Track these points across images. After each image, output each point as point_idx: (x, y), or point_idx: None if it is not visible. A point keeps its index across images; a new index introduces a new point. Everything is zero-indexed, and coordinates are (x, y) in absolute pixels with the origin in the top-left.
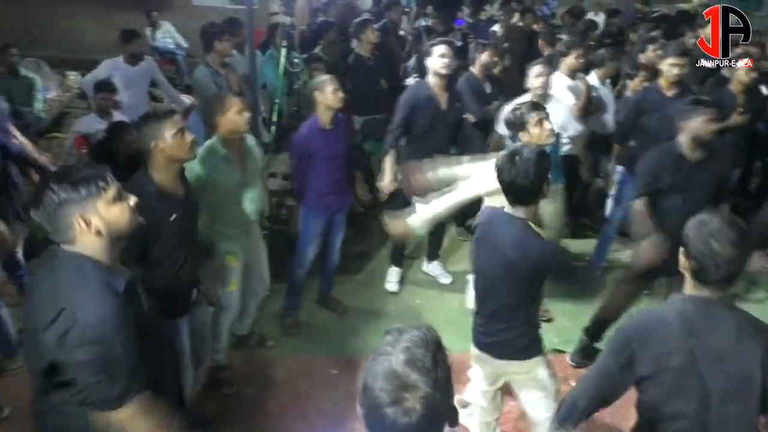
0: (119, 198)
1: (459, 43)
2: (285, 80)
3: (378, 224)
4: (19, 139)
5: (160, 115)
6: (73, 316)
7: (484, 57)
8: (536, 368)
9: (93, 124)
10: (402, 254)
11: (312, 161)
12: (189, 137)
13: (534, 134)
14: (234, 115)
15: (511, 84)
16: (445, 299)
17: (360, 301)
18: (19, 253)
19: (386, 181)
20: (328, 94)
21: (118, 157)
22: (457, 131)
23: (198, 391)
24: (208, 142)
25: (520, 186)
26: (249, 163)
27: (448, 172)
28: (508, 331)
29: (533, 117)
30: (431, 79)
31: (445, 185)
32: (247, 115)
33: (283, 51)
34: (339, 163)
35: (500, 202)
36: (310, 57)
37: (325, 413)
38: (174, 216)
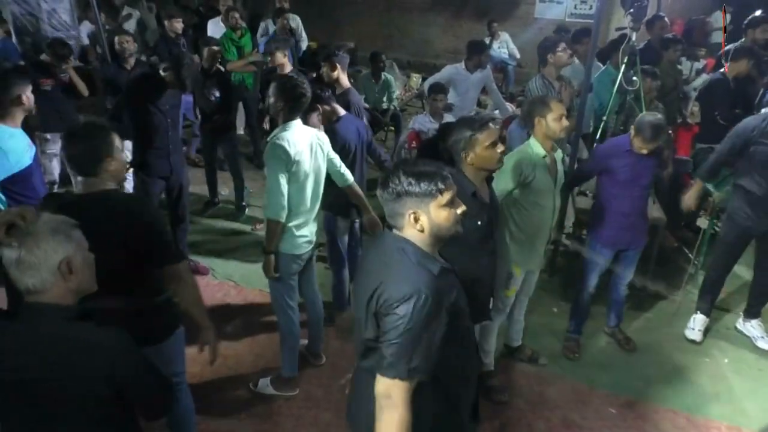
0: (451, 203)
1: None
2: (617, 98)
3: (686, 263)
4: None
5: (476, 123)
6: (387, 291)
7: None
8: None
9: (426, 123)
10: (712, 302)
11: (611, 182)
12: (500, 149)
13: None
14: (552, 121)
15: None
16: (762, 368)
17: (653, 342)
18: None
19: (688, 204)
20: (549, 121)
21: (443, 156)
22: None
23: None
24: (524, 145)
25: None
26: (557, 173)
27: None
28: None
29: None
30: None
31: None
32: (565, 123)
33: (623, 67)
34: (638, 194)
35: None
36: (643, 71)
37: None
38: (480, 222)
